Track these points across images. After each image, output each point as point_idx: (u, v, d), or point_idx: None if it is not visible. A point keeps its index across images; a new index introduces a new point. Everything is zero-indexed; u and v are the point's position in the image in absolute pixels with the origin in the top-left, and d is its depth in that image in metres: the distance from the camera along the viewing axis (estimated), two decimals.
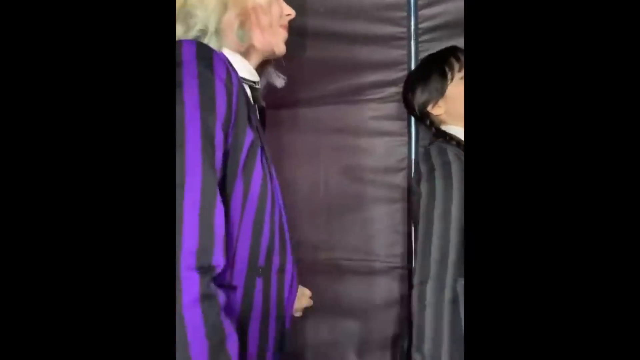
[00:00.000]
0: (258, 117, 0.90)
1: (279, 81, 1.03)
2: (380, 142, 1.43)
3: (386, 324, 1.42)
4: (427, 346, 0.95)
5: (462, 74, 1.13)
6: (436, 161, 1.04)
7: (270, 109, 1.45)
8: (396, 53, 1.40)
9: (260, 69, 0.96)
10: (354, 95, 1.44)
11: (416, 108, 1.20)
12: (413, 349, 0.97)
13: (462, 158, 1.06)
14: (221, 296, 0.68)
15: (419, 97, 1.17)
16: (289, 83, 1.49)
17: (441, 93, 1.14)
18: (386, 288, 1.43)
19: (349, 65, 1.44)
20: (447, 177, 1.01)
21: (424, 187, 1.04)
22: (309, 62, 1.45)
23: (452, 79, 1.14)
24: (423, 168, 1.06)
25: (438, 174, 1.02)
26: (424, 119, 1.21)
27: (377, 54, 1.41)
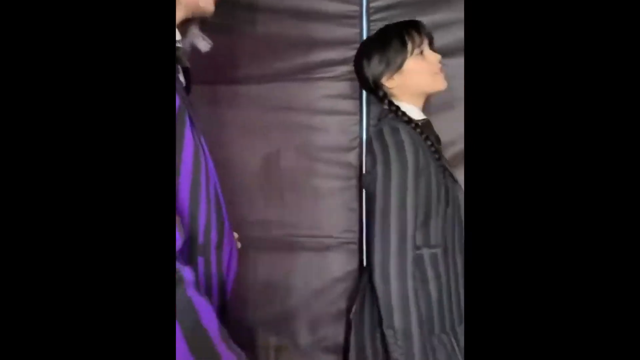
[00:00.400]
0: (183, 80, 0.85)
1: (204, 44, 0.94)
2: (333, 120, 1.44)
3: (338, 299, 1.46)
4: (397, 322, 0.99)
5: (421, 49, 1.12)
6: (389, 140, 1.05)
7: (219, 85, 1.44)
8: (348, 31, 1.39)
9: (183, 28, 0.89)
10: (305, 73, 1.43)
11: (370, 78, 1.16)
12: (384, 326, 1.01)
13: (414, 136, 1.07)
14: (186, 272, 0.66)
15: (375, 66, 1.14)
16: (239, 59, 1.46)
17: (399, 66, 1.12)
18: (338, 263, 1.47)
19: (300, 42, 1.42)
20: (402, 156, 1.03)
21: (379, 167, 1.05)
22: (259, 38, 1.43)
23: (411, 52, 1.12)
24: (376, 147, 1.07)
25: (392, 152, 1.04)
26: (377, 90, 1.17)
27: (328, 32, 1.41)
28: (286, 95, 1.44)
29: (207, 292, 0.83)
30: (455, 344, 1.10)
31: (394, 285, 1.00)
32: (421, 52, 1.13)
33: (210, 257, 0.83)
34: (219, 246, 0.84)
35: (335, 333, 1.46)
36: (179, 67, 0.84)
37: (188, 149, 0.75)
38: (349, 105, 1.43)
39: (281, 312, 1.46)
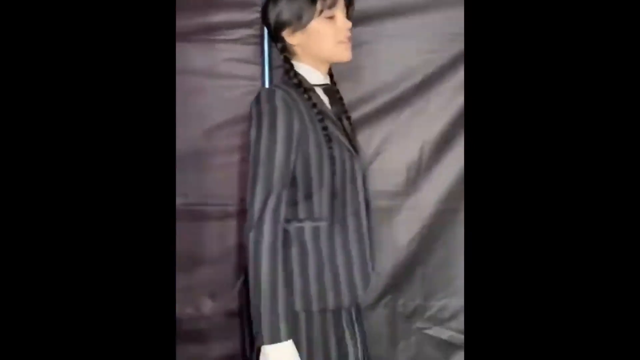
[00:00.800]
0: None
1: None
2: (232, 85, 1.40)
3: (239, 265, 1.46)
4: (251, 285, 0.98)
5: (331, 13, 1.06)
6: (264, 106, 1.01)
7: None
8: None
9: None
10: (205, 34, 1.37)
11: (272, 25, 1.09)
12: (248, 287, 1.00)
13: (298, 102, 1.04)
14: None
15: (279, 15, 1.07)
16: None
17: (302, 22, 1.05)
18: (238, 231, 1.46)
19: (199, 1, 1.35)
20: (273, 123, 1.00)
21: (252, 133, 1.02)
22: None
23: (320, 13, 1.05)
24: (253, 113, 1.03)
25: (265, 119, 1.00)
26: (277, 42, 1.12)
27: None
28: (184, 57, 1.36)
29: None
30: (346, 327, 1.07)
31: (251, 253, 0.98)
32: (332, 16, 1.06)
33: None
34: None
35: (237, 298, 1.46)
36: None
37: None
38: (250, 70, 1.39)
39: (184, 283, 1.42)
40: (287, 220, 1.03)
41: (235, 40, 1.37)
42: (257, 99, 1.03)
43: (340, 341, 1.06)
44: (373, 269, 1.12)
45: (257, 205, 0.98)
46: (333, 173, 1.04)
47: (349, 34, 1.08)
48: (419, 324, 1.46)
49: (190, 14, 1.35)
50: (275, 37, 1.11)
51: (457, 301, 1.41)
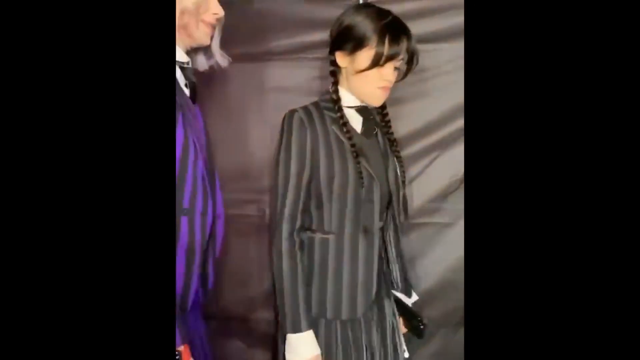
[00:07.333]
0: (187, 92, 1.04)
1: (222, 60, 1.12)
2: None
3: None
4: (276, 285, 1.11)
5: (372, 52, 1.08)
6: (285, 125, 1.12)
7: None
8: None
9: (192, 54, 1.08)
10: (300, 53, 1.40)
11: (332, 37, 1.16)
12: None
13: (315, 121, 1.10)
14: None
15: (346, 29, 1.11)
16: (235, 36, 1.46)
17: (350, 47, 1.10)
18: None
19: (298, 21, 1.39)
20: (288, 145, 1.10)
21: (275, 154, 1.14)
22: (257, 15, 1.41)
23: (366, 46, 1.09)
24: (279, 132, 1.13)
25: (283, 141, 1.11)
26: (331, 53, 1.17)
27: (327, 11, 1.34)
28: (278, 75, 1.42)
29: (190, 251, 0.99)
30: (351, 336, 1.12)
31: (273, 257, 1.11)
32: (383, 65, 1.09)
33: (195, 220, 0.99)
34: (204, 213, 1.01)
35: None
36: (186, 82, 1.03)
37: (178, 141, 0.94)
38: None
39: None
40: (305, 229, 1.13)
41: (322, 59, 1.37)
42: (282, 121, 1.14)
43: (358, 348, 1.13)
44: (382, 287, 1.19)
45: (276, 215, 1.11)
46: (343, 188, 1.09)
47: (389, 84, 1.12)
48: None
49: (280, 34, 1.41)
50: (331, 49, 1.16)
51: None
